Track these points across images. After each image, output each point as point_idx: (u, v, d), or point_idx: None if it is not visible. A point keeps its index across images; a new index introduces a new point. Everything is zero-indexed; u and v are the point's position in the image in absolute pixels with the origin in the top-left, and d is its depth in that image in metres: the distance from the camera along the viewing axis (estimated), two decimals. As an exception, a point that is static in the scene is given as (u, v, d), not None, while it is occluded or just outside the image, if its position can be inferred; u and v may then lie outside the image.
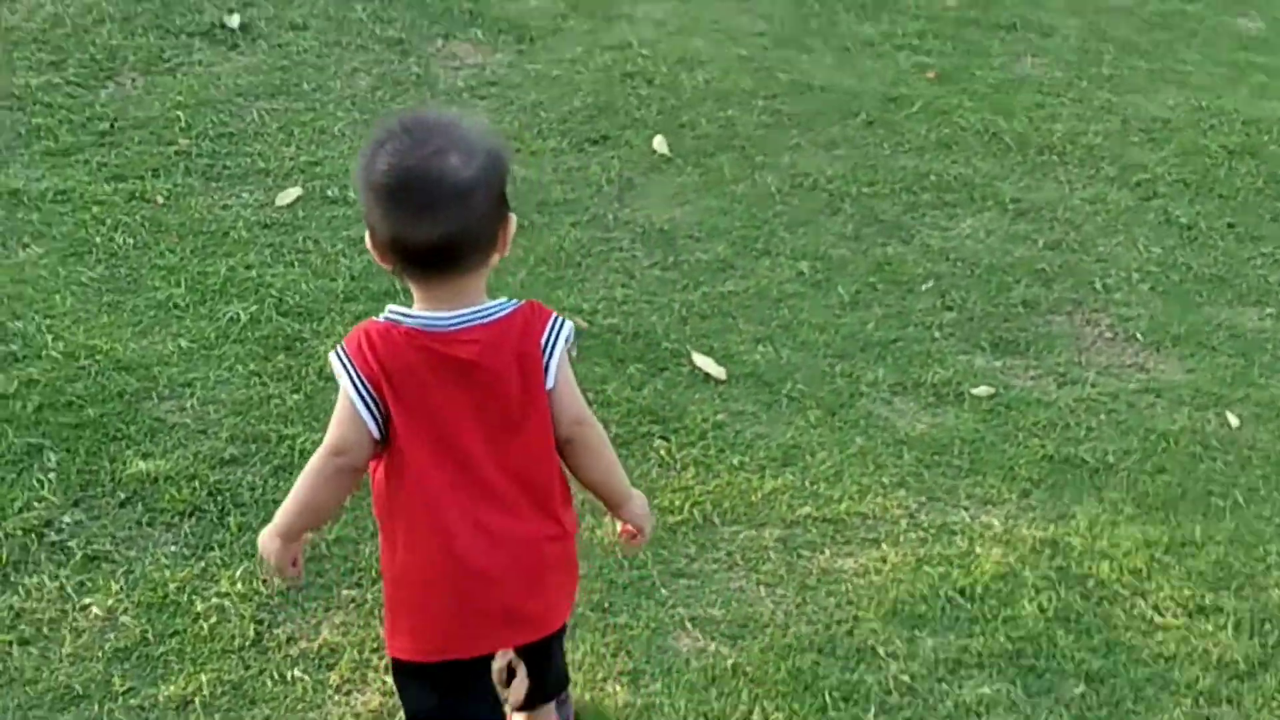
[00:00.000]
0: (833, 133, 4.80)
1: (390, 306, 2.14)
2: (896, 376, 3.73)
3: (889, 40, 5.37)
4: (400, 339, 2.10)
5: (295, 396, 3.42)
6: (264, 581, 2.88)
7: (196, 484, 3.13)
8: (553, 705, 2.47)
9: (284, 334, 3.64)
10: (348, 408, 2.12)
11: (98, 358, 3.46)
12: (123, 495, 3.09)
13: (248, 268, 3.86)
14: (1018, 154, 4.75)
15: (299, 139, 4.43)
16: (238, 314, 3.68)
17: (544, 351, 2.14)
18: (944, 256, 4.23)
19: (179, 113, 4.45)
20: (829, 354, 3.80)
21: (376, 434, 2.12)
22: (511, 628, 2.24)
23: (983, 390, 3.70)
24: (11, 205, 3.97)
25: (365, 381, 2.10)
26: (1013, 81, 5.20)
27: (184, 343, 3.57)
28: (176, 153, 4.30)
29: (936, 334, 3.92)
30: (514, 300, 2.17)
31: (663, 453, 3.37)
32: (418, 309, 2.12)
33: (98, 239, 3.90)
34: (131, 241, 3.92)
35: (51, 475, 3.10)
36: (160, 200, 4.09)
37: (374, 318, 2.14)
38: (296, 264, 3.91)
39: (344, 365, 2.12)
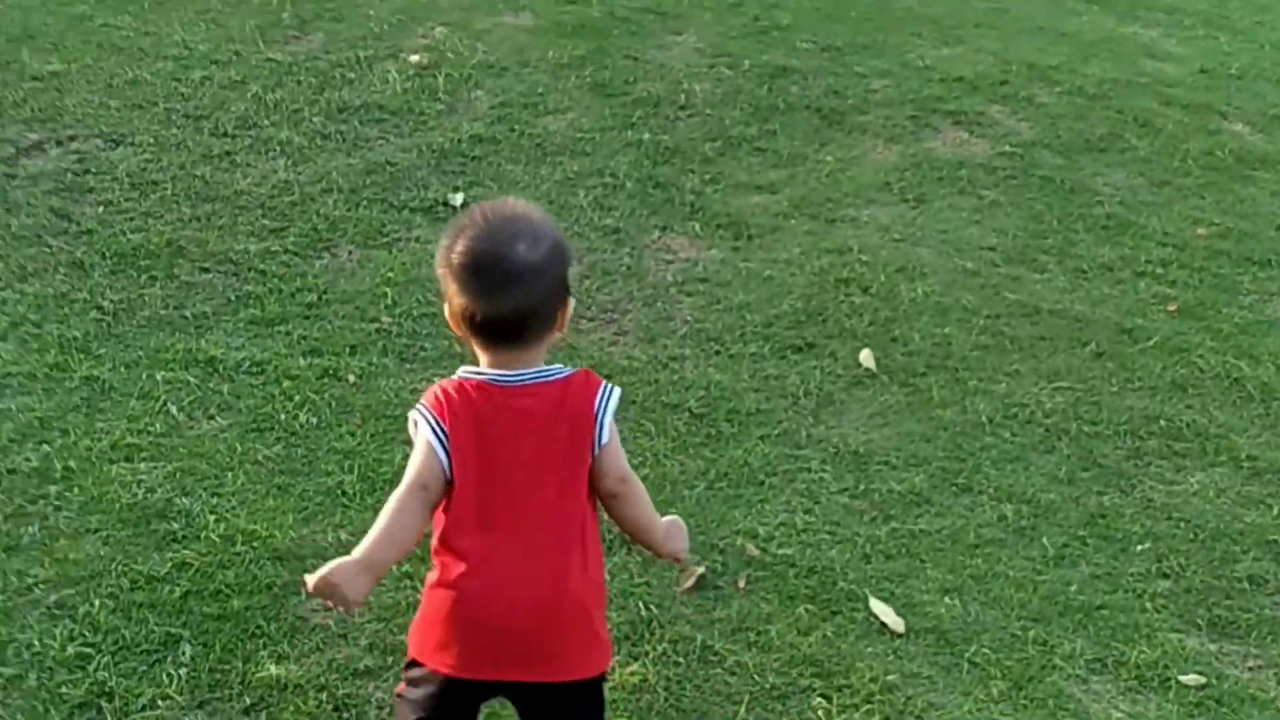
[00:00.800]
0: (1057, 362, 4.49)
1: (462, 368, 2.42)
2: (1096, 651, 3.38)
3: (1129, 266, 5.05)
4: (469, 390, 2.39)
5: (444, 606, 3.29)
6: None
7: (325, 696, 3.01)
8: None
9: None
10: (426, 448, 2.37)
11: (254, 544, 3.40)
12: (248, 700, 2.99)
13: (423, 458, 3.78)
14: (1260, 405, 4.35)
15: (498, 325, 4.38)
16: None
17: (597, 413, 2.40)
18: (1165, 514, 3.86)
19: (387, 289, 4.46)
20: (1023, 615, 3.47)
21: (448, 474, 2.36)
22: (508, 664, 2.40)
23: (1192, 679, 3.31)
24: (206, 373, 4.01)
25: (441, 426, 2.36)
26: (1262, 323, 4.79)
27: (344, 535, 3.48)
28: (377, 330, 4.30)
29: (1148, 604, 3.55)
30: (570, 367, 2.46)
31: (820, 713, 3.10)
32: (484, 368, 2.41)
33: (282, 415, 3.89)
34: (315, 420, 3.89)
35: (183, 671, 3.02)
36: (351, 379, 4.07)
37: (450, 377, 2.42)
38: (473, 458, 3.82)
39: (422, 414, 2.40)
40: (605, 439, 2.41)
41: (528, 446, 2.37)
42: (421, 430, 2.38)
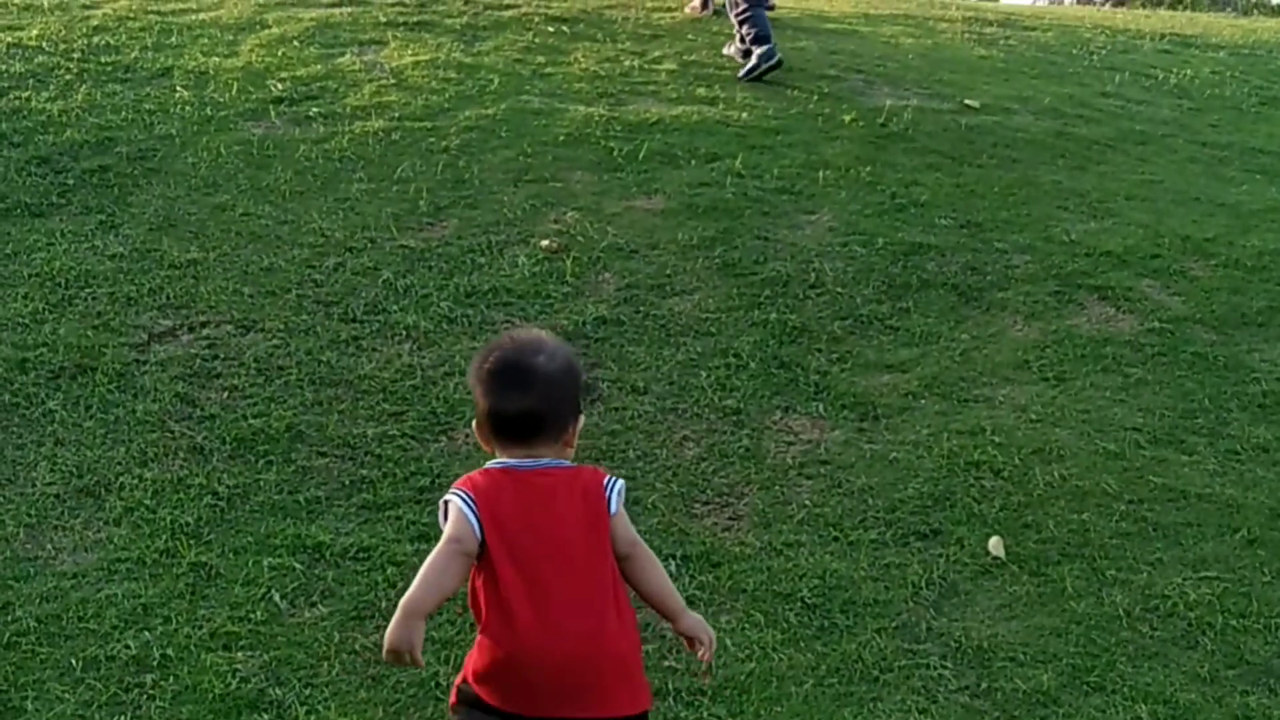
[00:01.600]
0: (1205, 550, 4.21)
1: (489, 461, 2.80)
2: None
3: (1286, 445, 4.75)
4: (495, 473, 2.78)
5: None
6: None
7: None
8: None
9: (537, 730, 3.40)
10: (458, 514, 2.72)
11: (342, 738, 3.33)
12: None
13: (522, 649, 3.68)
14: None
15: (611, 510, 4.29)
16: (497, 701, 3.48)
17: (605, 489, 2.79)
18: (1319, 719, 3.55)
19: (500, 473, 4.42)
20: (1155, 830, 3.19)
21: (478, 534, 2.69)
22: (555, 704, 2.67)
23: None
24: (313, 559, 3.98)
25: (471, 500, 2.71)
26: None
27: (436, 731, 3.40)
28: (488, 514, 4.25)
29: (1297, 821, 3.23)
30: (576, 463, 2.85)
31: None
32: (505, 459, 2.79)
33: (383, 603, 3.83)
34: (416, 608, 3.83)
35: None
36: (457, 565, 4.01)
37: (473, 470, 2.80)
38: (574, 649, 3.70)
39: (452, 492, 2.74)
40: (614, 508, 2.79)
41: (554, 515, 2.73)
42: (452, 503, 2.73)
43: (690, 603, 3.88)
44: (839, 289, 5.47)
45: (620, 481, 2.82)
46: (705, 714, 3.50)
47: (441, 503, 2.74)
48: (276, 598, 3.82)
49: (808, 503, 4.36)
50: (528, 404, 2.75)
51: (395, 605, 3.75)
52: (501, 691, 2.68)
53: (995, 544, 4.20)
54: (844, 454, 4.60)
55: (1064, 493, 4.45)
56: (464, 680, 2.75)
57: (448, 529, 2.70)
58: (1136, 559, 4.18)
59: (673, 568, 4.03)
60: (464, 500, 2.70)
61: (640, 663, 2.79)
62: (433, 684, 3.53)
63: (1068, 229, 6.10)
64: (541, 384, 2.76)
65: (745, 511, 4.33)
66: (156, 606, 3.74)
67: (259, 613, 3.75)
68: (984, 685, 3.65)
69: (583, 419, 2.86)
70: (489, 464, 2.79)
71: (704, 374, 4.96)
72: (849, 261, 5.65)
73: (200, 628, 3.67)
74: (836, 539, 4.20)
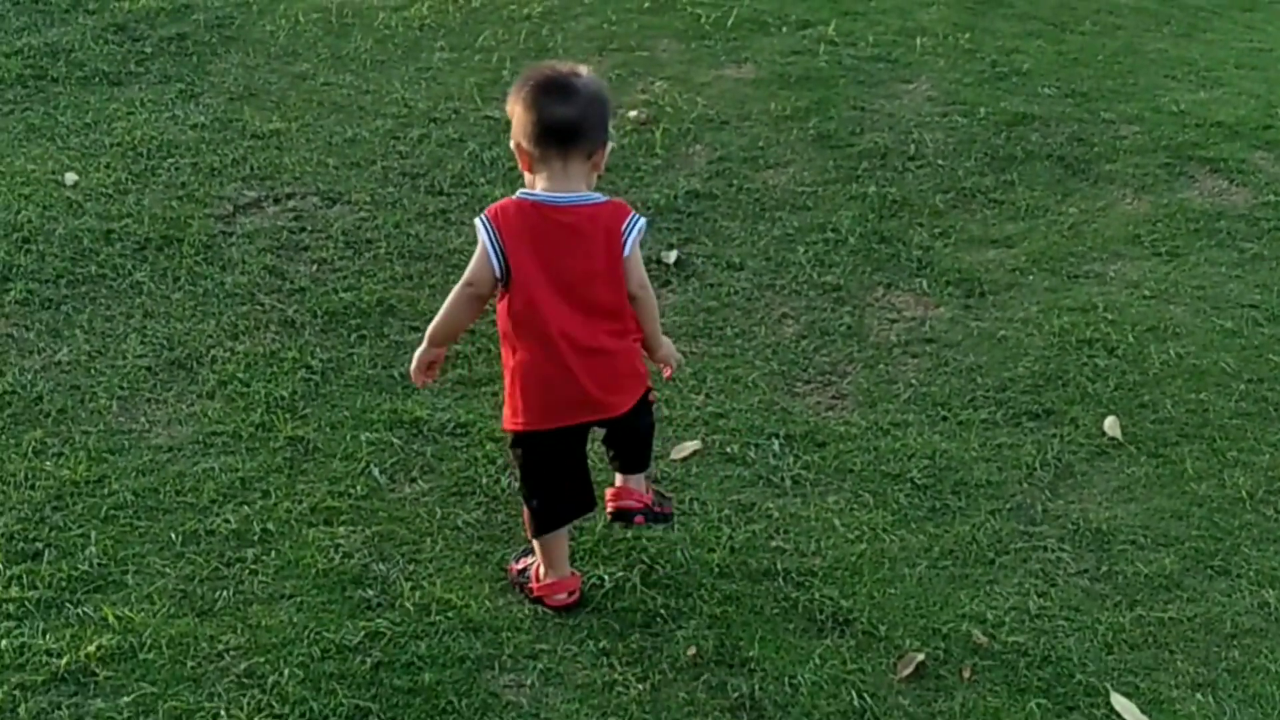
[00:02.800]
0: (1329, 430, 4.05)
1: (520, 189, 3.11)
2: (1376, 763, 2.96)
3: None
4: (527, 209, 3.07)
5: (640, 686, 3.09)
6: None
7: (510, 781, 2.83)
8: (640, 476, 3.47)
9: (644, 608, 3.31)
10: (482, 254, 3.08)
11: (449, 614, 3.25)
12: (430, 782, 2.83)
13: (625, 527, 3.59)
14: None
15: (710, 387, 4.17)
16: (603, 578, 3.39)
17: (624, 232, 3.09)
18: None
19: (596, 348, 4.30)
20: (1289, 718, 3.08)
21: (498, 273, 3.07)
22: (587, 410, 3.17)
23: None
24: (411, 434, 3.90)
25: (498, 237, 3.05)
26: None
27: (541, 607, 3.32)
28: (585, 391, 4.14)
29: None
30: (607, 196, 3.13)
31: (1052, 826, 2.78)
32: (539, 190, 3.08)
33: (484, 479, 3.75)
34: (516, 485, 3.74)
35: (364, 748, 2.90)
36: (556, 442, 3.92)
37: (511, 196, 3.13)
38: (678, 525, 3.60)
39: (484, 224, 3.08)
40: (628, 250, 3.10)
41: (574, 253, 3.07)
42: (481, 237, 3.08)
43: (796, 482, 3.81)
44: (940, 161, 5.27)
45: (641, 221, 3.13)
46: (817, 594, 3.40)
47: (476, 223, 3.10)
48: (376, 473, 3.74)
49: (914, 382, 4.22)
50: (569, 112, 3.05)
51: (496, 481, 3.76)
52: (542, 411, 3.15)
53: (1111, 424, 4.05)
54: (950, 332, 4.45)
55: (1180, 371, 4.29)
56: (512, 429, 3.22)
57: (468, 270, 3.13)
58: (1258, 440, 4.03)
59: (776, 446, 3.92)
60: (489, 236, 3.06)
61: (644, 369, 3.29)
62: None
63: (1176, 99, 5.85)
64: (582, 96, 3.08)
65: (849, 390, 4.19)
66: (255, 481, 3.67)
67: (359, 488, 3.67)
68: (1104, 569, 3.53)
69: (611, 145, 3.21)
70: (519, 193, 3.11)
71: (802, 249, 4.81)
72: (949, 132, 5.45)
73: (300, 502, 3.60)
74: (945, 419, 4.07)
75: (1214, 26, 6.70)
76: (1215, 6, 6.96)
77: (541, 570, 3.34)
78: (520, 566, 3.42)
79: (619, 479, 3.47)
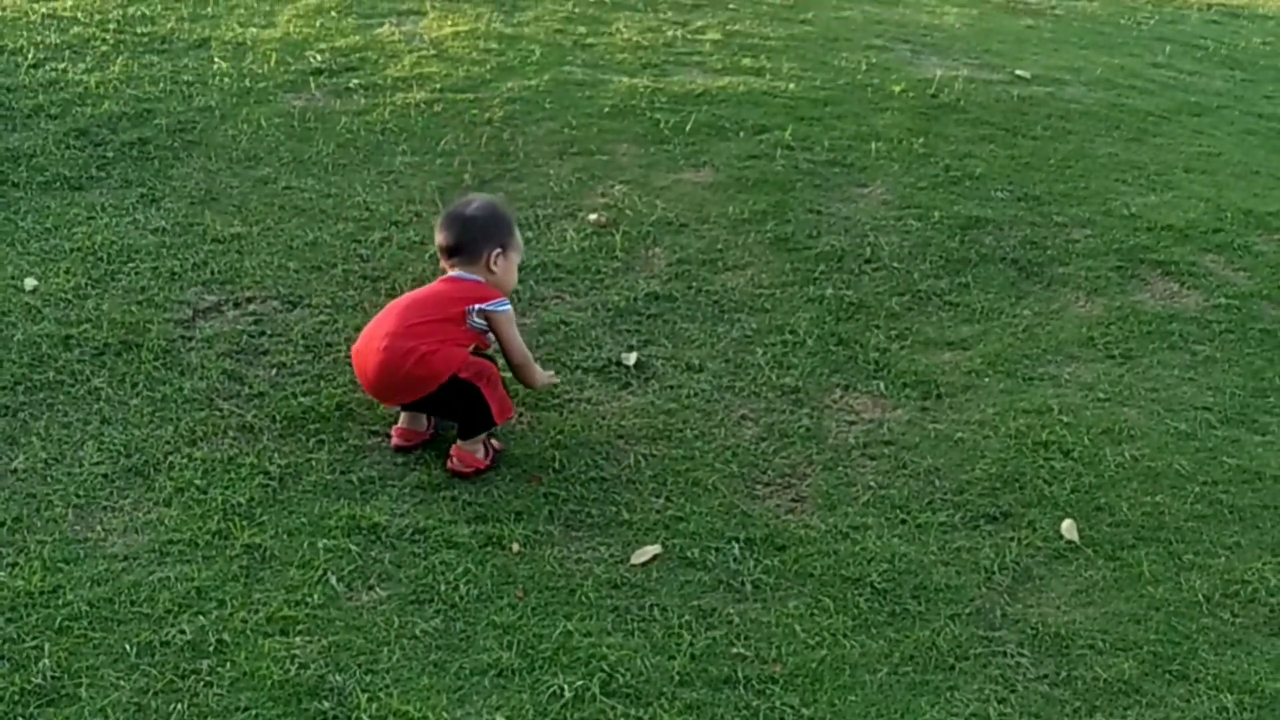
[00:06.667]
0: (1283, 533, 4.09)
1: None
2: None
3: (1363, 425, 4.61)
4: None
5: (600, 800, 3.06)
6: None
7: None
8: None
9: (604, 718, 3.30)
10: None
11: (405, 726, 3.23)
12: None
13: (586, 634, 3.57)
14: None
15: (670, 489, 4.17)
16: (562, 688, 3.37)
17: (473, 304, 4.21)
18: None
19: (556, 452, 4.30)
20: (1250, 826, 3.07)
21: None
22: None
23: None
24: (369, 541, 3.88)
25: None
26: None
27: (499, 717, 3.29)
28: (544, 496, 4.12)
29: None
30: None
31: None
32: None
33: (442, 586, 3.72)
34: (475, 592, 3.72)
35: None
36: (516, 548, 3.90)
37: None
38: (637, 633, 3.59)
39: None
40: (468, 320, 4.19)
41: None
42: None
43: (756, 586, 3.81)
44: (896, 264, 5.34)
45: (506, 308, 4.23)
46: (777, 703, 3.39)
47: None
48: (333, 580, 3.71)
49: (872, 484, 4.24)
50: (445, 238, 4.26)
51: (454, 588, 3.74)
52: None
53: (1069, 527, 4.07)
54: (908, 434, 4.48)
55: (1136, 474, 4.33)
56: (494, 428, 4.22)
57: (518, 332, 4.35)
58: (1214, 543, 4.06)
59: (736, 550, 3.92)
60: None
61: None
62: (495, 670, 3.43)
63: (1127, 202, 5.95)
64: (458, 223, 4.25)
65: (808, 493, 4.21)
66: (211, 590, 3.64)
67: (316, 596, 3.65)
68: (1063, 674, 3.53)
69: (514, 253, 4.31)
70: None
71: (760, 351, 4.84)
72: (905, 235, 5.52)
73: (256, 612, 3.57)
74: (904, 521, 4.08)
75: (1163, 131, 6.84)
76: (1164, 111, 7.10)
77: (484, 450, 4.25)
78: (486, 459, 4.23)
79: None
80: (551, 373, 4.51)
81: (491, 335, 4.26)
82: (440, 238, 4.27)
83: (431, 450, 4.25)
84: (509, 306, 4.26)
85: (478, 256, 4.21)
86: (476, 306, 4.17)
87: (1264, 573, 3.92)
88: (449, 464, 4.20)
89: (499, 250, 4.23)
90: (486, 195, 4.54)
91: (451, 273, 4.26)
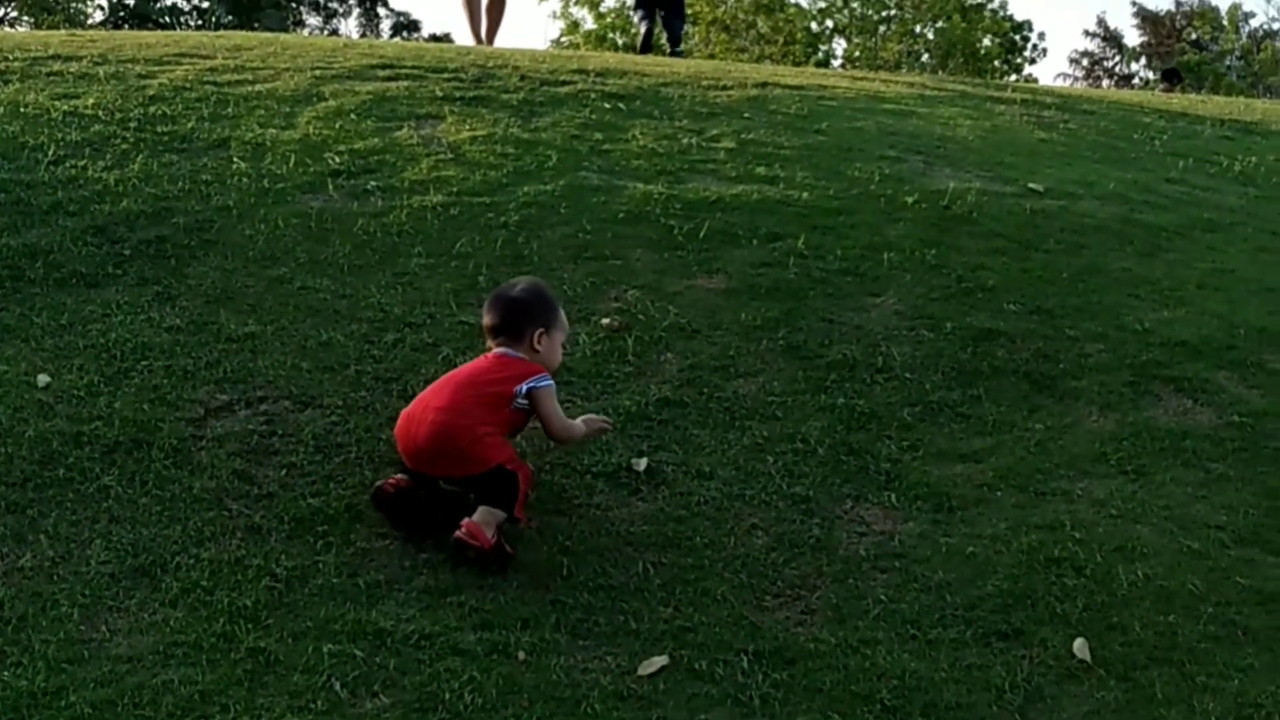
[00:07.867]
0: (1298, 656, 4.03)
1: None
2: None
3: (1379, 546, 4.56)
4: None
5: None
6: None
7: None
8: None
9: (609, 837, 3.25)
10: None
11: (406, 839, 3.18)
12: None
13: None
14: None
15: (679, 599, 4.14)
16: (567, 804, 3.33)
17: (521, 383, 4.46)
18: None
19: (564, 559, 4.27)
20: None
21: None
22: None
23: None
24: (375, 646, 3.85)
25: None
26: None
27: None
28: (551, 603, 4.10)
29: None
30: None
31: None
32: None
33: (447, 695, 3.69)
34: (480, 702, 3.68)
35: None
36: (521, 656, 3.86)
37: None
38: (645, 748, 3.55)
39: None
40: (516, 400, 4.44)
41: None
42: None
43: (764, 700, 3.77)
44: (908, 374, 5.34)
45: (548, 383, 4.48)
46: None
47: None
48: (337, 687, 3.68)
49: (883, 598, 4.21)
50: (490, 319, 4.59)
51: (459, 697, 3.71)
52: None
53: (1080, 646, 4.03)
54: (919, 547, 4.45)
55: (1148, 593, 4.29)
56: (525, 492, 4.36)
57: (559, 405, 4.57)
58: (1227, 665, 4.01)
59: (744, 663, 3.89)
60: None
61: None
62: (499, 783, 3.39)
63: (1140, 318, 5.96)
64: (502, 304, 4.58)
65: (818, 605, 4.17)
66: (214, 694, 3.61)
67: (319, 702, 3.61)
68: (1076, 797, 3.49)
69: (558, 332, 4.61)
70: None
71: (771, 459, 4.83)
72: (917, 346, 5.53)
73: (259, 717, 3.54)
74: (914, 637, 4.04)
75: (1176, 246, 6.87)
76: (1177, 227, 7.13)
77: (492, 530, 4.25)
78: (494, 539, 4.22)
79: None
80: (594, 415, 4.75)
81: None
82: (487, 318, 4.58)
83: (439, 554, 4.23)
84: (551, 382, 4.48)
85: (522, 336, 4.51)
86: (524, 386, 4.39)
87: (1277, 696, 3.87)
88: (457, 533, 4.20)
89: (542, 329, 4.52)
90: (531, 277, 4.88)
91: (497, 350, 4.53)
